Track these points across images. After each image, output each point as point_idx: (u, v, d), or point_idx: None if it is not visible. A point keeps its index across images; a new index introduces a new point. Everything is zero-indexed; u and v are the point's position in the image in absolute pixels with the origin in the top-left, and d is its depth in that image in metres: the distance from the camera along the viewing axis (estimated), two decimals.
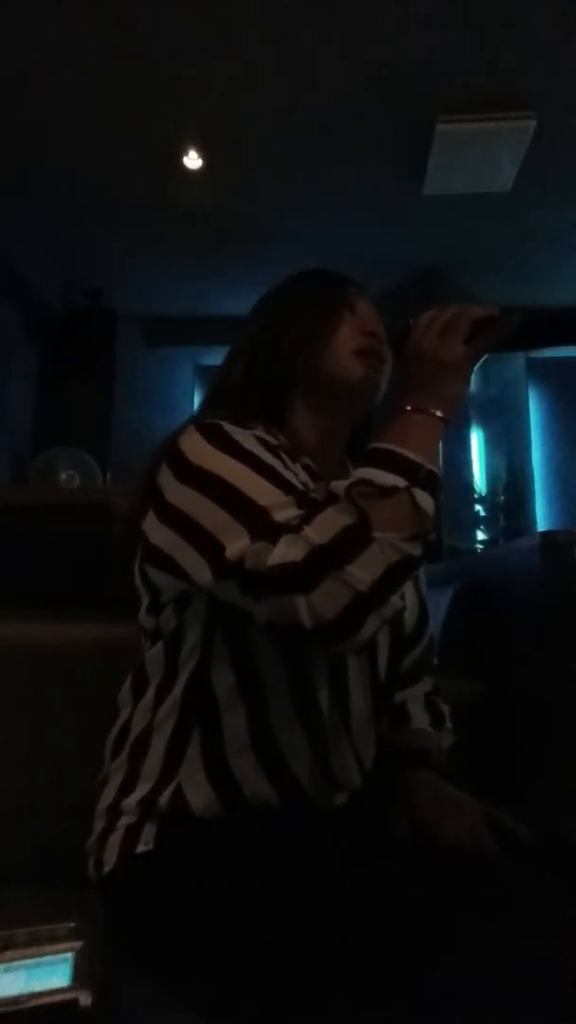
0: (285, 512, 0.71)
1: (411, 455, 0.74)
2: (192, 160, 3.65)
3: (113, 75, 3.11)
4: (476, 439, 5.22)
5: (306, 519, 0.69)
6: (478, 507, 4.97)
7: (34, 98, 3.24)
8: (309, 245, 4.04)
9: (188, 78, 3.12)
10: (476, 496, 4.99)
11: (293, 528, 0.69)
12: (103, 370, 5.01)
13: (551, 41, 2.91)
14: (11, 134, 3.45)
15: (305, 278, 1.00)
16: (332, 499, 0.71)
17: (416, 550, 0.71)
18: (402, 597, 0.72)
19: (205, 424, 0.81)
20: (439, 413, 0.78)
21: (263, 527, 0.69)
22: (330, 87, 3.16)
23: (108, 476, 4.62)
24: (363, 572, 0.67)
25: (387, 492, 0.71)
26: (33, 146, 3.55)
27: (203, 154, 3.62)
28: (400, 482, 0.71)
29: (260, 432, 0.85)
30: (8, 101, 3.25)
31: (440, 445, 0.79)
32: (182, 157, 3.62)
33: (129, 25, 2.83)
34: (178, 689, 0.82)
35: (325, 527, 0.68)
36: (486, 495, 5.05)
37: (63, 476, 4.38)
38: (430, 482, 0.73)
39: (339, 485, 0.72)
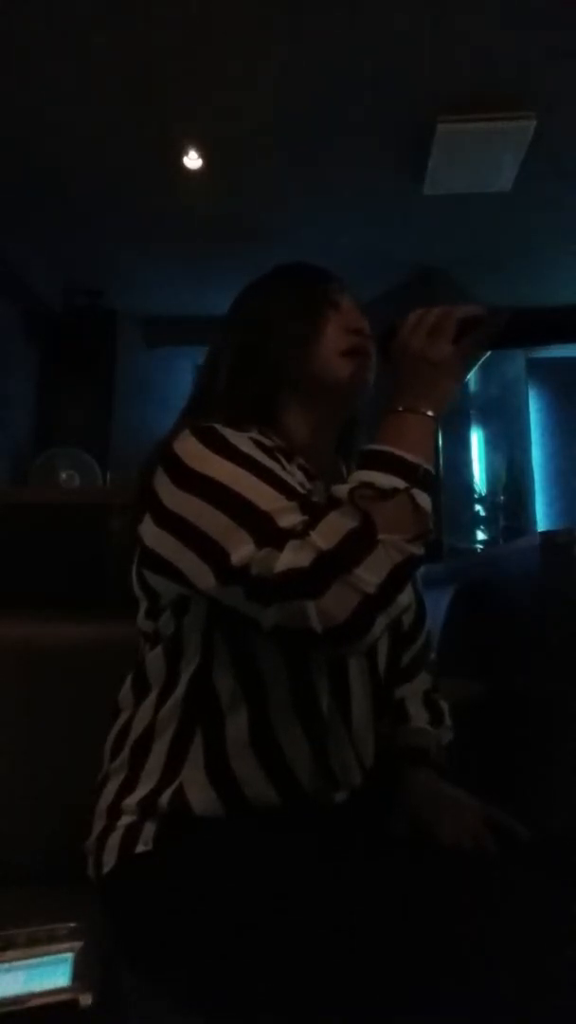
0: (289, 517, 0.71)
1: (408, 456, 0.74)
2: (192, 160, 3.65)
3: (113, 75, 3.10)
4: (476, 439, 5.22)
5: (310, 524, 0.70)
6: (478, 507, 4.96)
7: (34, 98, 3.24)
8: (309, 245, 4.03)
9: (188, 78, 3.12)
10: (476, 496, 4.98)
11: (298, 534, 0.69)
12: (103, 370, 5.00)
13: (551, 41, 2.90)
14: (11, 134, 3.45)
15: (286, 275, 1.00)
16: (334, 503, 0.71)
17: (419, 549, 0.71)
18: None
19: (200, 427, 0.81)
20: (430, 412, 0.79)
21: (268, 533, 0.70)
22: (330, 87, 3.16)
23: (108, 476, 4.61)
24: (370, 575, 0.67)
25: (388, 494, 0.71)
26: (33, 146, 3.55)
27: (203, 154, 3.62)
28: (400, 483, 0.72)
29: (255, 434, 0.85)
30: (8, 101, 3.25)
31: (438, 443, 0.79)
32: (182, 157, 3.62)
33: (130, 25, 2.83)
34: (179, 692, 0.82)
35: (331, 532, 0.68)
36: (486, 495, 5.05)
37: (63, 476, 4.38)
38: (427, 481, 0.74)
39: (341, 489, 0.72)
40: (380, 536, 0.68)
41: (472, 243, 4.33)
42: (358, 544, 0.68)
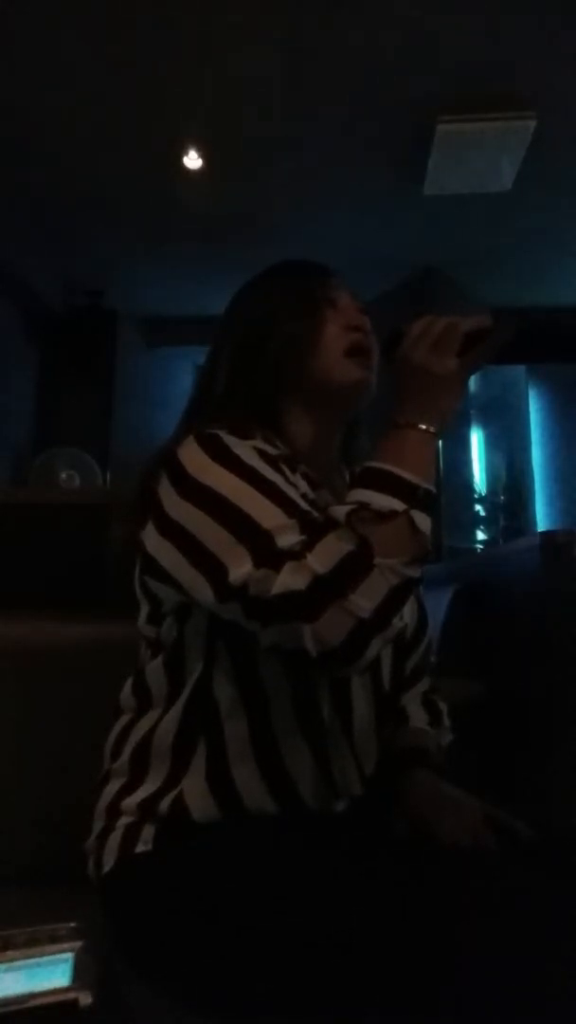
0: (288, 537, 0.70)
1: (408, 476, 0.73)
2: (192, 160, 3.65)
3: (114, 75, 3.11)
4: (476, 439, 5.22)
5: (308, 545, 0.69)
6: (478, 507, 4.96)
7: (34, 98, 3.24)
8: (309, 245, 4.00)
9: (188, 78, 3.12)
10: (476, 496, 4.99)
11: (296, 555, 0.69)
12: (103, 370, 5.00)
13: (551, 41, 2.91)
14: (11, 134, 3.45)
15: (281, 273, 0.99)
16: (332, 524, 0.71)
17: (416, 572, 0.71)
18: (401, 617, 0.72)
19: (205, 435, 0.80)
20: (432, 429, 0.78)
21: (266, 552, 0.69)
22: (330, 87, 3.16)
23: (108, 476, 4.61)
24: (365, 599, 0.67)
25: (386, 516, 0.71)
26: (33, 146, 3.55)
27: (203, 154, 3.62)
28: (398, 505, 0.71)
29: (259, 443, 0.84)
30: (8, 101, 3.25)
31: (437, 444, 0.78)
32: (182, 157, 3.62)
33: (130, 25, 2.84)
34: (181, 699, 0.82)
35: (327, 555, 0.68)
36: (486, 495, 5.05)
37: (63, 476, 4.38)
38: (427, 502, 0.73)
39: (339, 510, 0.72)
40: (377, 560, 0.68)
41: (472, 243, 4.33)
42: (354, 568, 0.68)
